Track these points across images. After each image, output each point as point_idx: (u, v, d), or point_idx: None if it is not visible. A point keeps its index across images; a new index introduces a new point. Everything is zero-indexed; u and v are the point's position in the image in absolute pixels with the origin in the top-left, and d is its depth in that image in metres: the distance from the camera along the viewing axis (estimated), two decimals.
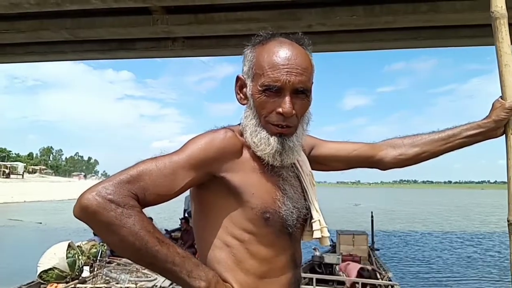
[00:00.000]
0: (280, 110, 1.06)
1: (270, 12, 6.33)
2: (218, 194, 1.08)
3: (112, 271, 6.28)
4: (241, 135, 1.14)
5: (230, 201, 1.07)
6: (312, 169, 1.29)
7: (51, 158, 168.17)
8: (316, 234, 1.19)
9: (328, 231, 1.22)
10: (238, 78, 1.17)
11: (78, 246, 7.03)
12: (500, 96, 1.27)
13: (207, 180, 1.05)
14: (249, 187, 1.07)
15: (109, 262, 6.83)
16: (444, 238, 21.82)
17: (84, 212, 0.87)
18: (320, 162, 1.38)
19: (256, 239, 1.07)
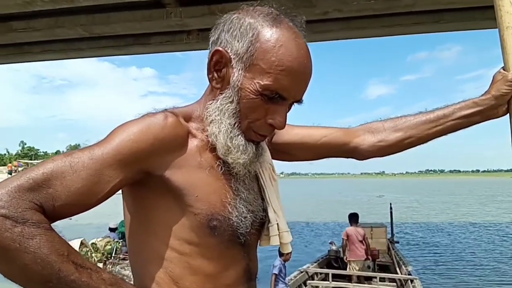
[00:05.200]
0: (272, 122, 0.89)
1: (277, 5, 6.15)
2: (154, 196, 0.87)
3: (126, 268, 6.30)
4: (187, 119, 0.93)
5: (169, 205, 0.86)
6: (274, 159, 1.10)
7: None
8: (274, 241, 1.00)
9: (291, 234, 1.04)
10: (219, 53, 0.88)
11: (92, 243, 7.11)
12: (502, 67, 1.05)
13: (142, 178, 0.84)
14: (193, 188, 0.86)
15: (123, 259, 6.84)
16: (471, 231, 21.23)
17: None
18: (283, 151, 1.17)
19: (200, 251, 0.87)
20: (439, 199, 50.09)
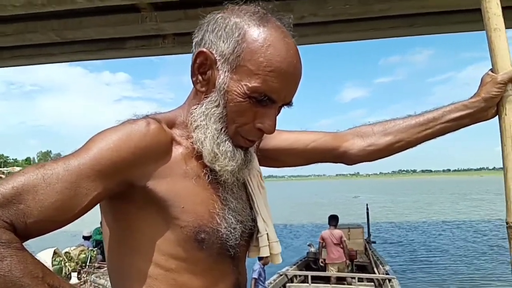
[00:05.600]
0: (261, 127, 0.84)
1: (264, 4, 6.17)
2: (137, 209, 0.82)
3: (101, 276, 6.14)
4: (171, 126, 0.88)
5: (153, 218, 0.81)
6: (262, 165, 1.06)
7: None
8: (264, 252, 0.95)
9: (280, 245, 1.00)
10: (203, 54, 0.83)
11: (66, 252, 6.92)
12: (490, 69, 1.04)
13: (123, 189, 0.79)
14: (179, 199, 0.80)
15: (98, 267, 6.69)
16: (444, 229, 21.80)
17: None
18: (271, 157, 1.13)
19: (187, 266, 0.82)
20: (412, 199, 51.19)
